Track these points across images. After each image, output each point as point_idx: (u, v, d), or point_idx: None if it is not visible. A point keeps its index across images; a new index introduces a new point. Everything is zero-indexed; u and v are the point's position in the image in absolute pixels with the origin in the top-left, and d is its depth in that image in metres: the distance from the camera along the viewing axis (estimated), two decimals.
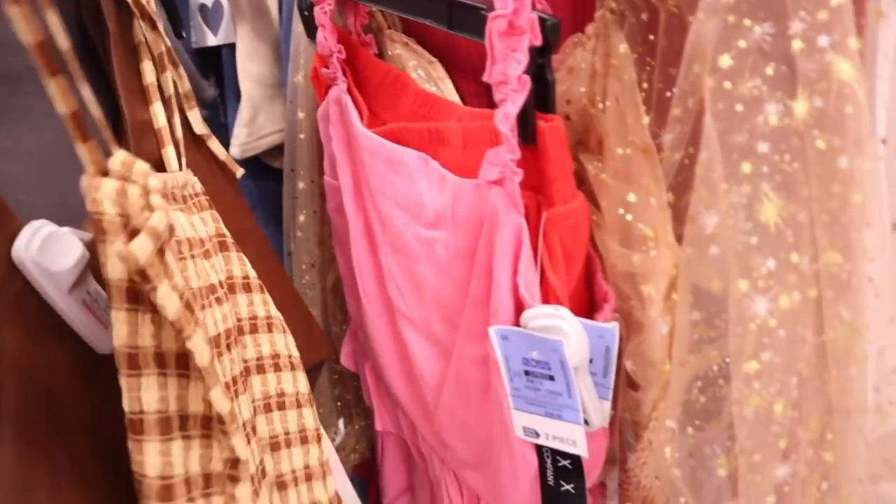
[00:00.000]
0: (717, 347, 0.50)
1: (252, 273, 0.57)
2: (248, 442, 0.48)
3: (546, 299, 0.49)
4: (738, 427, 0.48)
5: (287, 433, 0.57)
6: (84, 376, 0.42)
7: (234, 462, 0.43)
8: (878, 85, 0.44)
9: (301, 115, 0.75)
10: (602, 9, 0.49)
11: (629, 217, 0.50)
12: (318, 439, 0.60)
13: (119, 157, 0.37)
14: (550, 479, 0.55)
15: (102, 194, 0.36)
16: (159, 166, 0.54)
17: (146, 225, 0.36)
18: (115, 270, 0.36)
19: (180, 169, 0.56)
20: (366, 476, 0.88)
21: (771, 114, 0.43)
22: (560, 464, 0.54)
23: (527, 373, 0.50)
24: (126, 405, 0.39)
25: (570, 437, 0.51)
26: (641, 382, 0.53)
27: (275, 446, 0.56)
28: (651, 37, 0.48)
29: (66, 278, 0.41)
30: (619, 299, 0.52)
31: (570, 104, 0.52)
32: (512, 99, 0.44)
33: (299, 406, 0.59)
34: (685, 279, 0.48)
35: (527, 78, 0.44)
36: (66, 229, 0.41)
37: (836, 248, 0.45)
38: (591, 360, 0.50)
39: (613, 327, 0.48)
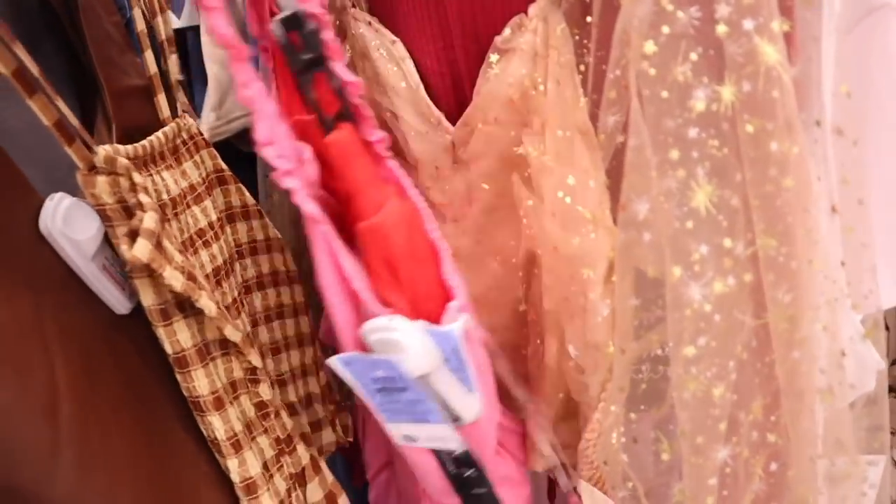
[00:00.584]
0: (658, 332, 0.50)
1: (251, 201, 0.66)
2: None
3: (384, 308, 0.48)
4: (679, 411, 0.49)
5: (286, 338, 0.69)
6: (108, 336, 0.48)
7: (253, 369, 0.55)
8: (809, 68, 0.43)
9: None
10: None
11: (568, 200, 0.49)
12: (313, 341, 0.71)
13: (101, 154, 0.44)
14: (452, 469, 0.55)
15: (99, 189, 0.44)
16: (147, 125, 0.58)
17: (141, 227, 0.44)
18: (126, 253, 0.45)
19: (174, 115, 0.58)
20: (350, 455, 0.90)
21: (699, 99, 0.42)
22: (452, 455, 0.54)
23: (382, 389, 0.49)
24: (169, 349, 0.49)
25: (442, 436, 0.51)
26: (586, 366, 0.53)
27: (275, 350, 0.67)
28: (588, 18, 0.47)
29: (89, 246, 0.45)
30: (558, 282, 0.52)
31: (512, 86, 0.51)
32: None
33: (296, 314, 0.69)
34: (623, 266, 0.48)
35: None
36: (80, 199, 0.45)
37: (770, 232, 0.44)
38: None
39: (451, 330, 0.47)
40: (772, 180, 0.43)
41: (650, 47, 0.41)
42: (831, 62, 0.43)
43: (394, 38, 0.63)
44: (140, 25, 0.60)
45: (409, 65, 0.63)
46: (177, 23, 0.79)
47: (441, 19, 0.59)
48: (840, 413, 0.49)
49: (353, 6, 0.66)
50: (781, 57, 0.40)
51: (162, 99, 0.59)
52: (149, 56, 0.59)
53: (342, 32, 0.67)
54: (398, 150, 0.65)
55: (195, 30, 0.79)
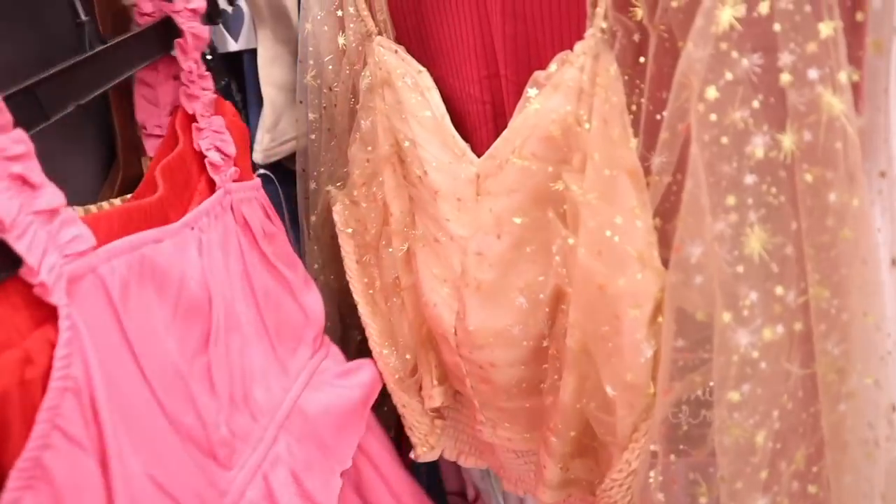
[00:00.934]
0: (701, 374, 0.49)
1: None
2: None
3: None
4: (719, 456, 0.48)
5: None
6: None
7: None
8: (877, 118, 0.42)
9: (312, 115, 0.75)
10: (593, 28, 0.47)
11: (616, 239, 0.48)
12: None
13: None
14: None
15: None
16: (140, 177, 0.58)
17: None
18: None
19: None
20: None
21: (758, 146, 0.41)
22: None
23: None
24: None
25: None
26: (622, 406, 0.52)
27: None
28: (641, 59, 0.46)
29: None
30: (594, 321, 0.51)
31: (555, 122, 0.51)
32: None
33: None
34: (670, 307, 0.47)
35: None
36: None
37: (825, 282, 0.43)
38: None
39: None
40: (829, 230, 0.42)
41: (712, 93, 0.40)
42: None
43: (420, 67, 0.63)
44: None
45: (435, 95, 0.62)
46: (234, 46, 0.78)
47: (487, 47, 0.58)
48: (887, 468, 0.48)
49: (380, 33, 0.65)
50: (847, 107, 0.39)
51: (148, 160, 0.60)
52: None
53: (363, 59, 0.67)
54: (413, 180, 0.64)
55: (252, 52, 0.79)
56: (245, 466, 0.54)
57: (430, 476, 0.98)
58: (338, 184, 0.75)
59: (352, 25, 0.67)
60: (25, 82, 0.45)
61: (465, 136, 0.62)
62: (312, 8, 0.71)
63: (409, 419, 0.75)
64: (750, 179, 0.42)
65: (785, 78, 0.39)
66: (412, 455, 0.77)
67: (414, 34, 0.65)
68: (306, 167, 0.79)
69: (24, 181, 0.38)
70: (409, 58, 0.63)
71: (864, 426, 0.48)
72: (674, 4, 0.42)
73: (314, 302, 0.67)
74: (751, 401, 0.46)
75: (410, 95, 0.61)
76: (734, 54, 0.40)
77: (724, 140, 0.41)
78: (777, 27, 0.39)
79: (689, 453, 0.51)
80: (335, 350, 0.70)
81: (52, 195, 0.40)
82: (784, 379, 0.46)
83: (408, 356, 0.73)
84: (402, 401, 0.74)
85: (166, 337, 0.47)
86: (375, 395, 0.70)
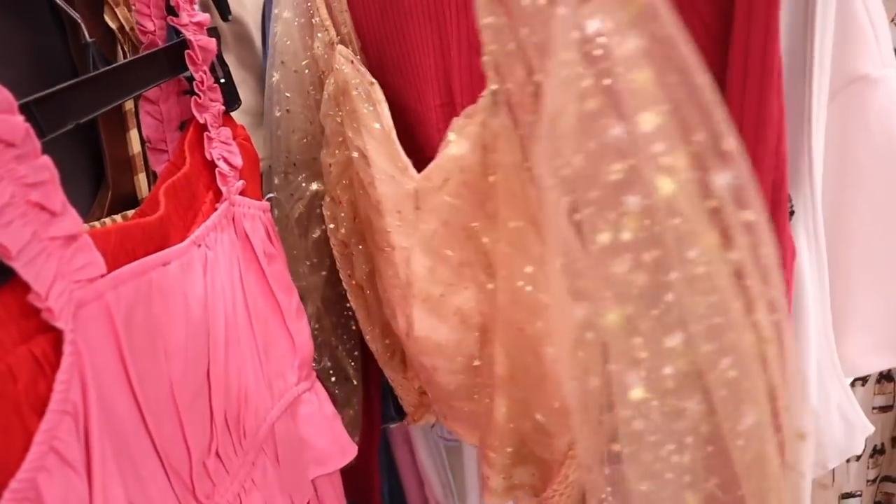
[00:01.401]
0: None
1: None
2: None
3: None
4: (636, 483, 0.51)
5: None
6: None
7: None
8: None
9: (278, 113, 0.77)
10: (491, 85, 0.49)
11: (529, 288, 0.51)
12: None
13: None
14: None
15: None
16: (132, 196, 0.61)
17: None
18: None
19: None
20: None
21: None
22: None
23: None
24: None
25: None
26: (554, 430, 0.55)
27: None
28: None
29: None
30: (520, 356, 0.54)
31: (464, 171, 0.53)
32: None
33: None
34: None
35: None
36: None
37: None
38: None
39: None
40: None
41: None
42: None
43: (372, 80, 0.64)
44: (128, 104, 0.62)
45: (385, 108, 0.63)
46: None
47: (445, 76, 0.60)
48: (794, 489, 0.50)
49: (343, 43, 0.67)
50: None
51: (142, 178, 0.62)
52: (133, 135, 0.62)
53: (329, 66, 0.69)
54: (366, 189, 0.67)
55: None
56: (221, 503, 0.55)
57: (392, 495, 1.04)
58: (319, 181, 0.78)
59: (319, 34, 0.69)
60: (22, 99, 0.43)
61: (425, 159, 0.64)
62: (283, 13, 0.72)
63: (399, 391, 0.82)
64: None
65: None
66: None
67: (379, 55, 0.67)
68: (272, 163, 0.81)
69: (41, 208, 0.39)
70: (363, 69, 0.64)
71: (774, 452, 0.49)
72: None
73: (303, 331, 0.67)
74: (649, 438, 0.48)
75: (363, 106, 0.63)
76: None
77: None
78: None
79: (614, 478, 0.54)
80: (320, 388, 0.70)
81: (70, 222, 0.41)
82: (679, 416, 0.48)
83: (387, 341, 0.78)
84: (390, 376, 0.80)
85: (170, 363, 0.48)
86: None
